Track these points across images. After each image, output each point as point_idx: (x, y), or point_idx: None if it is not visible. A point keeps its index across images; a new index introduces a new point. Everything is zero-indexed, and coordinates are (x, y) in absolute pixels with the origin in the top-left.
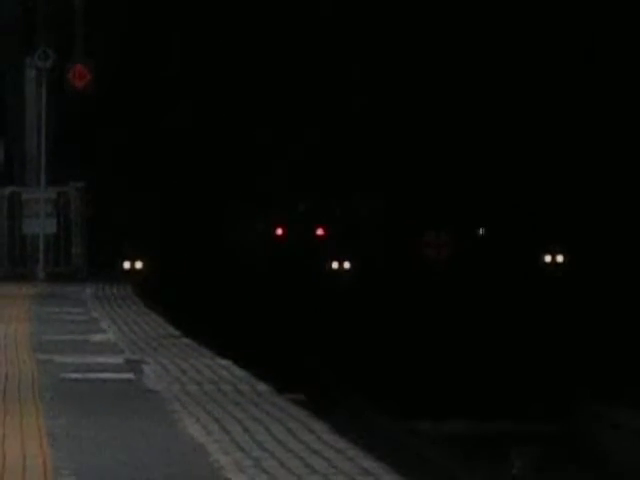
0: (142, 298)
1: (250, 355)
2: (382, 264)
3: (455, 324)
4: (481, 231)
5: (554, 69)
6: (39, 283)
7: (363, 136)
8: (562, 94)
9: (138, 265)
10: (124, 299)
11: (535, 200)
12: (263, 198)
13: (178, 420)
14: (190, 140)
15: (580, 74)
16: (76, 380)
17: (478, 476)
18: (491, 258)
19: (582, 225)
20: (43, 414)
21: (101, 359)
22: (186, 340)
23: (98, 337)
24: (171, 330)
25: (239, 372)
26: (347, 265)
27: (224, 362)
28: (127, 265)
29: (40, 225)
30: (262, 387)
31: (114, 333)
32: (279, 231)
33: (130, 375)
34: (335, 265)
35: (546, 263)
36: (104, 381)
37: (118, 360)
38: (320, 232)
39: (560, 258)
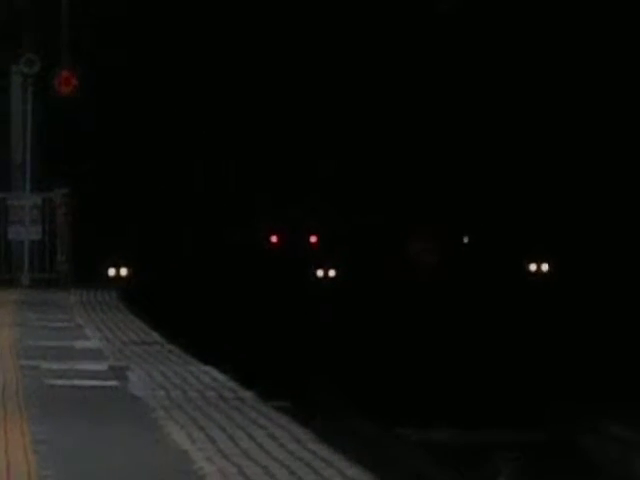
0: (127, 305)
1: (235, 361)
2: (367, 273)
3: (439, 332)
4: (465, 239)
5: (537, 82)
6: (24, 289)
7: (348, 146)
8: (545, 104)
9: (123, 272)
10: (109, 305)
11: (521, 209)
12: (259, 206)
13: (162, 427)
14: (183, 145)
15: (564, 89)
16: (61, 387)
17: None
18: (475, 266)
19: (568, 234)
20: (27, 421)
21: (86, 366)
22: (170, 347)
23: (83, 344)
24: (156, 337)
25: (223, 379)
26: (332, 273)
27: (208, 368)
28: (112, 272)
29: (25, 231)
30: (246, 394)
31: (99, 340)
32: (274, 239)
33: (115, 382)
34: (320, 273)
35: (531, 272)
36: (89, 388)
37: (103, 367)
38: (313, 240)
39: (545, 267)
